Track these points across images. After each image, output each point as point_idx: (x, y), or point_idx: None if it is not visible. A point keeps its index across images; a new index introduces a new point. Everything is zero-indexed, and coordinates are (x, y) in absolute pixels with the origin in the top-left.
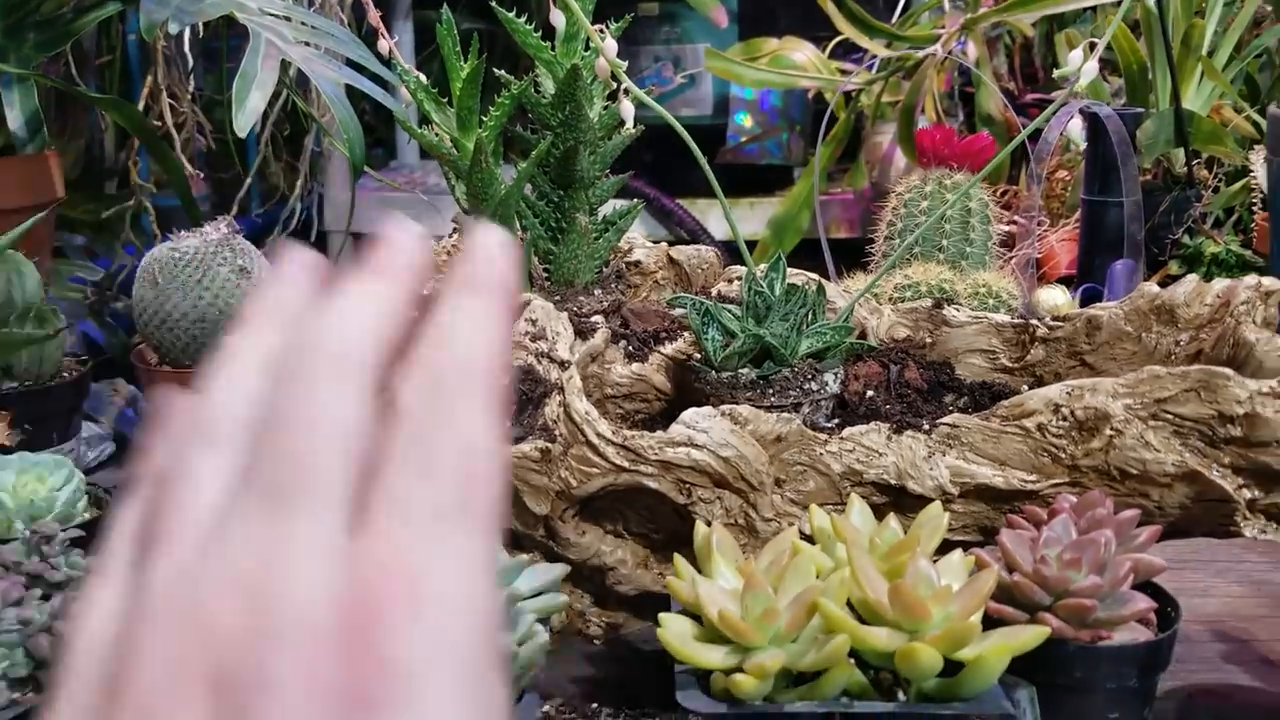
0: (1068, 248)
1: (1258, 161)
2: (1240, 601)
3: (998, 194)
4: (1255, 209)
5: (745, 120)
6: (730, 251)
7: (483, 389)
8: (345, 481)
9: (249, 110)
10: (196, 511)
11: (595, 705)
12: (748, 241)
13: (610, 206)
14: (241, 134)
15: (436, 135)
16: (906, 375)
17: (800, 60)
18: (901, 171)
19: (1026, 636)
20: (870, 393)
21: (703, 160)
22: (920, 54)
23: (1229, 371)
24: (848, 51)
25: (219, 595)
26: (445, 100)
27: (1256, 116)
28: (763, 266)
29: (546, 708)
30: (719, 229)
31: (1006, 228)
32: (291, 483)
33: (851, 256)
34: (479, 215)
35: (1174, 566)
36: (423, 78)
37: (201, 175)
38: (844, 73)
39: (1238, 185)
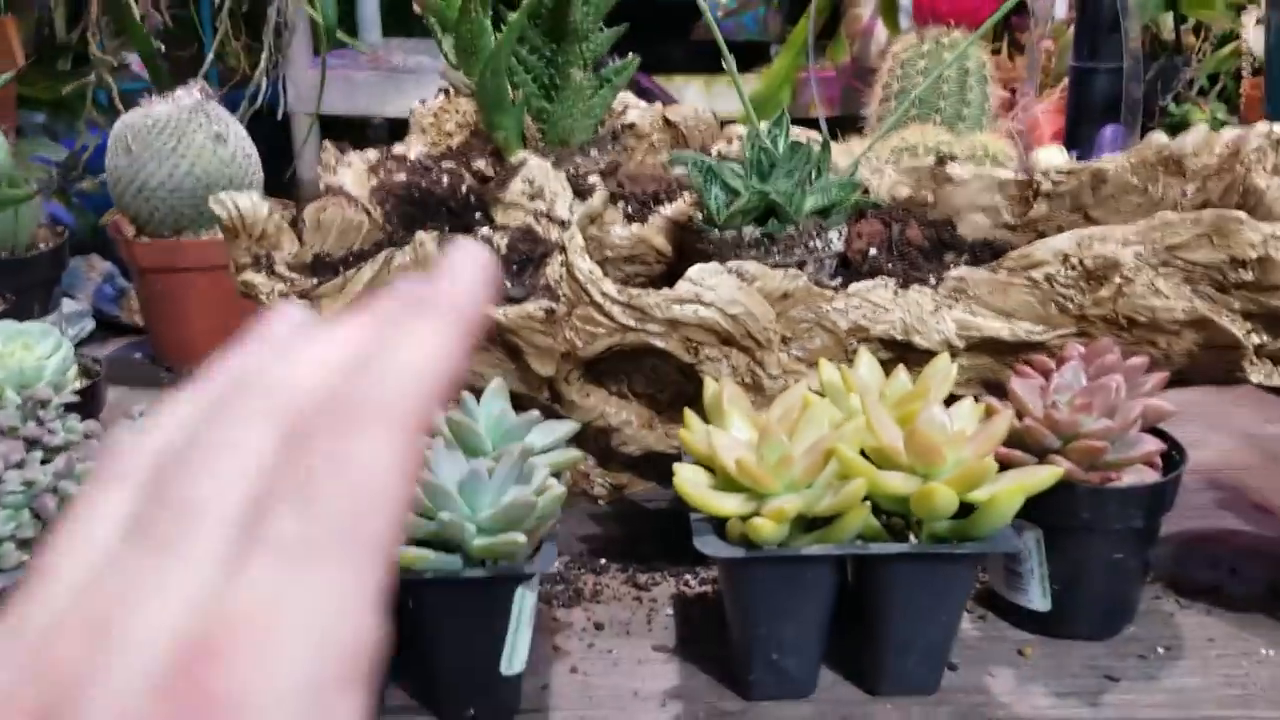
0: (1052, 118)
1: (1248, 25)
2: (1232, 453)
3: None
4: (1244, 74)
5: None
6: None
7: (394, 418)
8: (234, 522)
9: None
10: (87, 550)
11: (603, 561)
12: (726, 121)
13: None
14: None
15: None
16: (908, 234)
17: None
18: (883, 45)
19: (1040, 477)
20: (873, 251)
21: None
22: None
23: (1243, 215)
24: None
25: (67, 635)
26: None
27: None
28: (765, 123)
29: (556, 564)
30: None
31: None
32: (174, 524)
33: (836, 136)
34: (468, 71)
35: (1171, 422)
36: None
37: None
38: None
39: (1226, 50)
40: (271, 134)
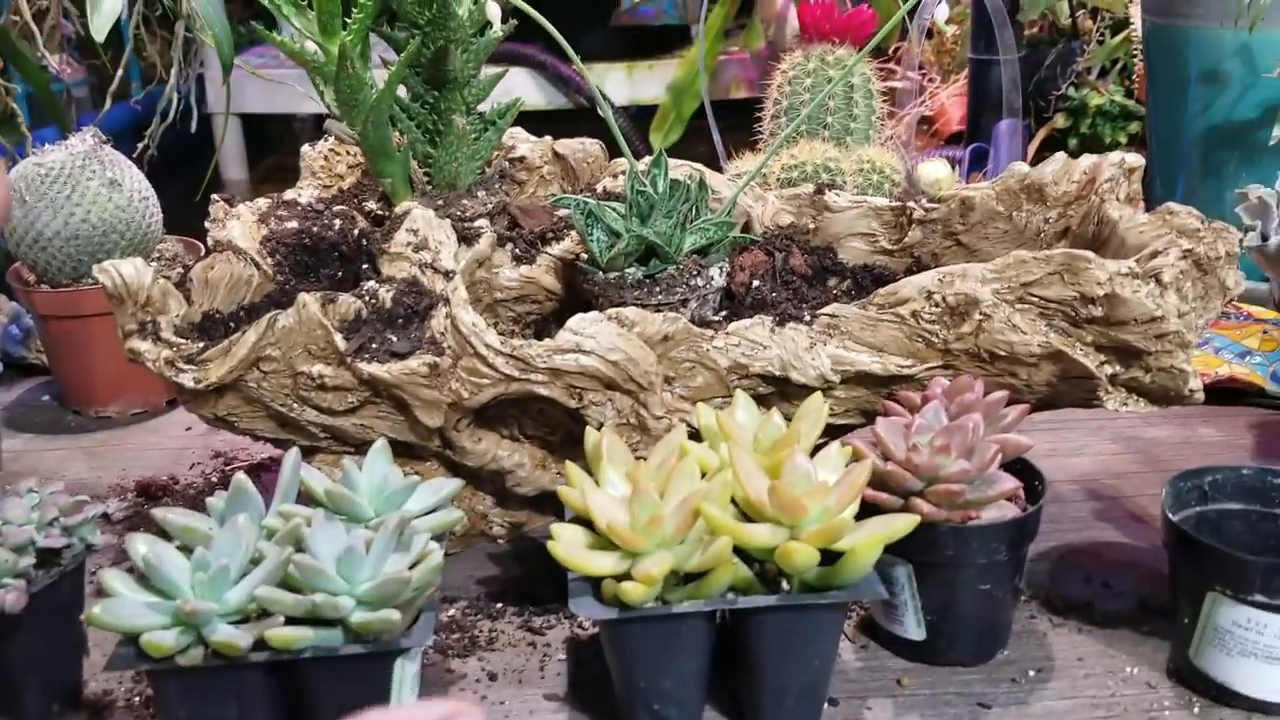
0: (959, 103)
1: (1139, 12)
2: (1112, 459)
3: (889, 50)
4: (1137, 58)
5: None
6: (629, 116)
7: None
8: None
9: (105, 13)
10: None
11: (500, 605)
12: (649, 106)
13: (490, 104)
14: (99, 38)
15: (299, 40)
16: (791, 262)
17: None
18: (796, 29)
19: (898, 526)
20: (756, 282)
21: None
22: None
23: (1090, 255)
24: None
25: None
26: (305, 3)
27: None
28: (645, 161)
29: (452, 611)
30: (617, 94)
31: (898, 83)
32: None
33: (752, 118)
34: (351, 122)
35: (1052, 427)
36: None
37: (68, 69)
38: None
39: (1121, 36)
40: (193, 131)
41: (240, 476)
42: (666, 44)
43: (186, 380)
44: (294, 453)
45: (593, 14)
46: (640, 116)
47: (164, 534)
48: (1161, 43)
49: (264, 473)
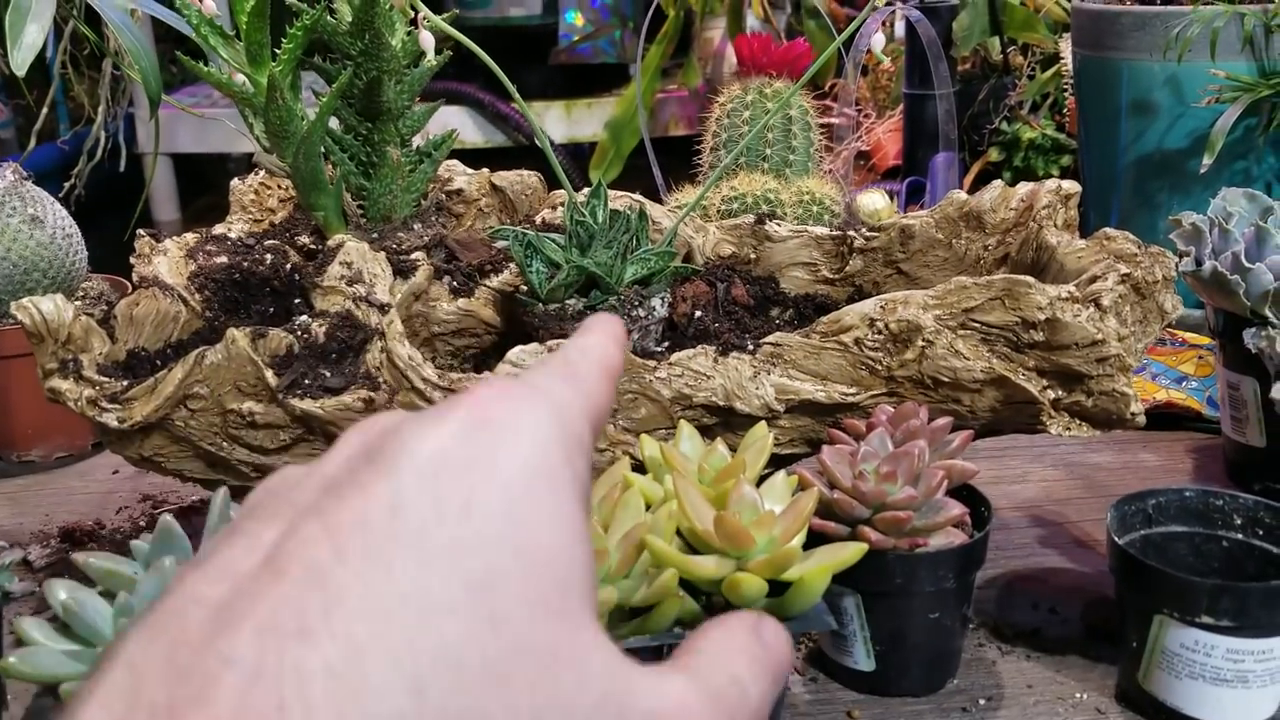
0: (894, 139)
1: (1069, 47)
2: (1055, 485)
3: (826, 86)
4: (1068, 92)
5: (576, 18)
6: (569, 154)
7: (591, 345)
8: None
9: (26, 46)
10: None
11: None
12: (587, 143)
13: (426, 135)
14: (20, 72)
15: (227, 72)
16: (733, 293)
17: None
18: (735, 66)
19: (845, 554)
20: (699, 313)
21: (507, 82)
22: None
23: (1031, 280)
24: None
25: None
26: (234, 33)
27: (1067, 2)
28: (584, 193)
29: None
30: (555, 131)
31: (835, 120)
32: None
33: (691, 155)
34: (281, 155)
35: (995, 455)
36: (210, 5)
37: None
38: None
39: (1051, 71)
40: (126, 171)
41: (166, 518)
42: (605, 82)
43: (110, 420)
44: (223, 491)
45: (531, 52)
46: (579, 154)
47: (86, 579)
48: (1093, 75)
49: (194, 516)
